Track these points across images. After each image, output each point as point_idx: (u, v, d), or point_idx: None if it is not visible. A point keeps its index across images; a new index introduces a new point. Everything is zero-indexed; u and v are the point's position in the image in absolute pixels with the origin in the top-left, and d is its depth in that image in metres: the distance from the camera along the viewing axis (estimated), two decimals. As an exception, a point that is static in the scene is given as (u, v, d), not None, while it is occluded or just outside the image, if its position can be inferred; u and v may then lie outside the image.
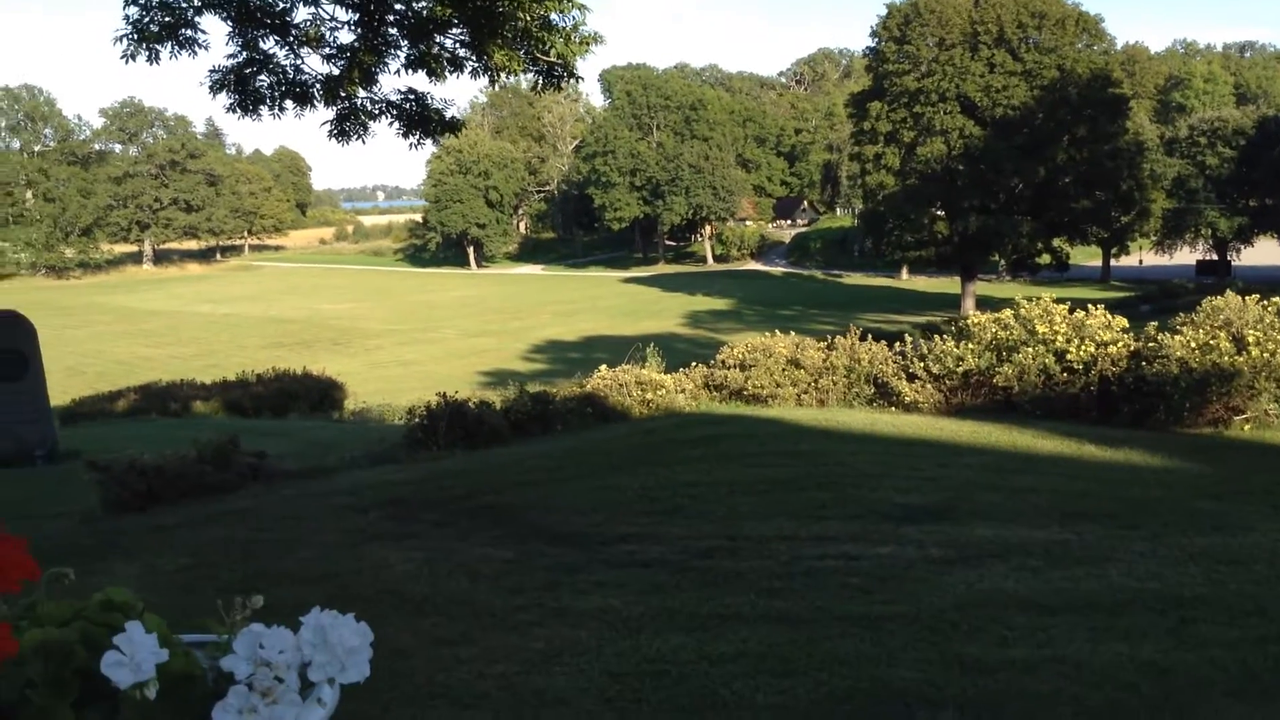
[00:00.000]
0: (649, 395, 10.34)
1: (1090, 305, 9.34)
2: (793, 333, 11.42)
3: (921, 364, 9.67)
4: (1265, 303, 8.22)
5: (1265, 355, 7.54)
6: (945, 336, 9.81)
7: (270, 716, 0.99)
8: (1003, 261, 47.17)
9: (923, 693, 3.69)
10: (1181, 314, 8.94)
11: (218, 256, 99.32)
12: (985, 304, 44.30)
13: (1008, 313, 9.52)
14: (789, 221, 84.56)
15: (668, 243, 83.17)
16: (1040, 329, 8.96)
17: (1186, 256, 53.24)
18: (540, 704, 3.65)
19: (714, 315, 50.75)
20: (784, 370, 10.59)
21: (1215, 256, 52.19)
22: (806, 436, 8.48)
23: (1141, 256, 54.56)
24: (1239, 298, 8.34)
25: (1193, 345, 7.98)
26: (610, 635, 4.38)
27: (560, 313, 56.30)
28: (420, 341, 49.52)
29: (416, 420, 9.60)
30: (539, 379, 25.21)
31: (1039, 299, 9.49)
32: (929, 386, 9.54)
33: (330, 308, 63.10)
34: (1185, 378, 7.78)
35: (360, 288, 75.07)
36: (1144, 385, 8.19)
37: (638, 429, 9.18)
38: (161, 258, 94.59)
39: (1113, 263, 53.48)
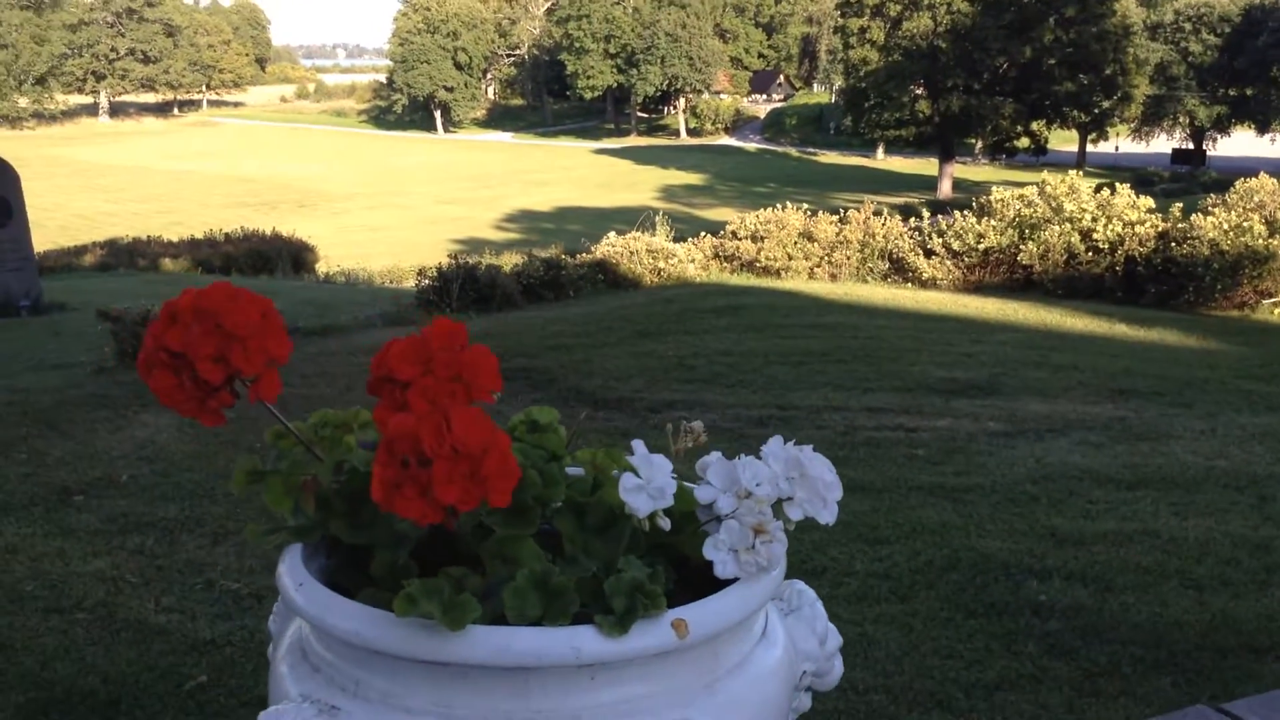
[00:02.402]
0: (660, 264, 10.16)
1: (1115, 184, 9.23)
2: (772, 209, 11.18)
3: (940, 240, 9.55)
4: (1301, 186, 8.15)
5: (1302, 239, 7.51)
6: (965, 213, 9.67)
7: (768, 556, 0.86)
8: (979, 144, 46.81)
9: (1024, 563, 3.64)
10: (1212, 195, 8.85)
11: (175, 111, 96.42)
12: (961, 186, 44.09)
13: (1032, 190, 9.39)
14: (764, 96, 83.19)
15: (640, 115, 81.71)
16: (1068, 207, 8.83)
17: (1162, 145, 53.11)
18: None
19: (688, 190, 50.19)
20: (796, 243, 10.44)
21: (1191, 146, 52.10)
22: (829, 309, 8.39)
23: (1118, 143, 54.37)
24: (1272, 180, 8.25)
25: (1225, 227, 7.91)
26: (686, 499, 4.31)
27: (531, 182, 55.42)
28: (388, 206, 48.63)
29: (427, 281, 9.38)
30: (513, 248, 24.87)
31: (1066, 176, 9.36)
32: (947, 263, 9.44)
33: (294, 168, 61.72)
34: (1217, 259, 7.72)
35: (324, 149, 73.37)
36: (1172, 266, 8.13)
37: (656, 297, 9.03)
38: (117, 110, 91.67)
39: (1088, 148, 53.24)
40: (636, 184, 52.68)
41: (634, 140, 76.71)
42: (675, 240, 11.39)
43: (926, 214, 10.30)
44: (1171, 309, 8.12)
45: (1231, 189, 8.52)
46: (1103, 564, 3.59)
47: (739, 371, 6.49)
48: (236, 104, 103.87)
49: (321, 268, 24.65)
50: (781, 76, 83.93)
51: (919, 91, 42.11)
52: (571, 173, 59.18)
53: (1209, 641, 3.07)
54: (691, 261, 10.46)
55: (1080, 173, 9.69)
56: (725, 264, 10.63)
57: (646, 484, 0.81)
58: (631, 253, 10.28)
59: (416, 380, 0.80)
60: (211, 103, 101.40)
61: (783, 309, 8.37)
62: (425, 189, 53.64)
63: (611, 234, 11.03)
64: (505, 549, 0.85)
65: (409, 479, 0.73)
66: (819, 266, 10.23)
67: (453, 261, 9.35)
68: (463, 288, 9.12)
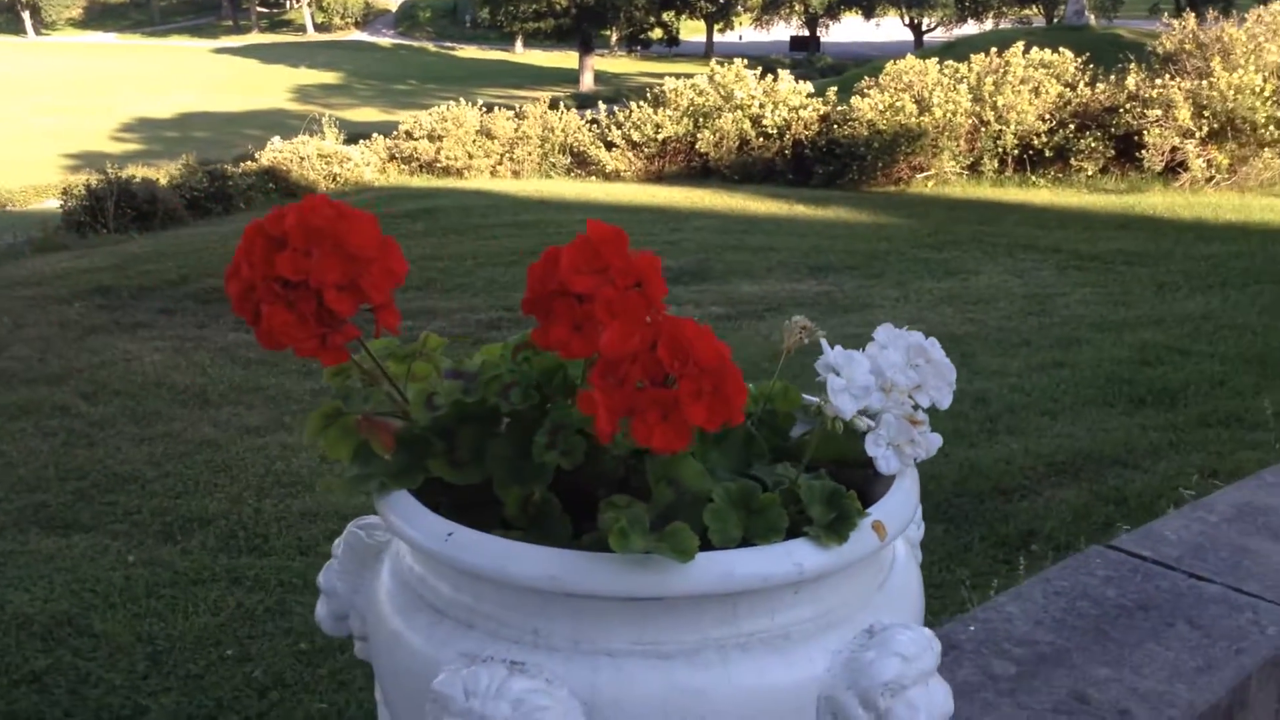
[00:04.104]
0: (335, 168, 9.70)
1: (778, 70, 9.68)
2: (446, 106, 10.89)
3: (619, 132, 9.68)
4: (942, 66, 8.89)
5: (947, 116, 8.22)
6: (641, 104, 9.84)
7: (927, 445, 0.86)
8: (615, 35, 47.58)
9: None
10: (867, 78, 9.49)
11: None
12: (601, 79, 44.73)
13: (702, 79, 9.67)
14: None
15: (260, 9, 76.54)
16: (739, 94, 9.19)
17: (781, 32, 56.13)
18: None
19: (324, 90, 47.77)
20: (475, 141, 10.24)
21: (807, 32, 55.42)
22: (524, 207, 8.33)
23: (741, 32, 56.91)
24: (921, 61, 8.95)
25: (880, 107, 8.52)
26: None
27: (146, 87, 50.72)
28: (-22, 121, 43.09)
29: (75, 202, 8.47)
30: (136, 160, 22.91)
31: (733, 65, 9.71)
32: (629, 154, 9.61)
33: None
34: (876, 139, 8.32)
35: (-111, 58, 63.65)
36: (836, 148, 8.70)
37: (339, 204, 8.57)
38: None
39: (715, 38, 55.39)
40: (265, 85, 49.48)
41: (256, 37, 71.87)
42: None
43: (603, 106, 10.37)
44: (839, 188, 8.72)
45: (884, 71, 9.22)
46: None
47: (452, 276, 6.35)
48: None
49: (-95, 194, 21.70)
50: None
51: (555, -17, 42.02)
52: (191, 75, 54.70)
53: (965, 489, 3.38)
54: (368, 165, 10.04)
55: (744, 62, 10.10)
56: (403, 165, 10.28)
57: (850, 384, 0.77)
58: (302, 158, 9.72)
59: (597, 292, 0.71)
60: None
61: (477, 209, 8.24)
62: (20, 100, 47.91)
63: (276, 139, 10.36)
64: (669, 470, 0.79)
65: (649, 403, 0.66)
66: (500, 164, 10.11)
67: (103, 177, 8.48)
68: (119, 205, 8.32)
